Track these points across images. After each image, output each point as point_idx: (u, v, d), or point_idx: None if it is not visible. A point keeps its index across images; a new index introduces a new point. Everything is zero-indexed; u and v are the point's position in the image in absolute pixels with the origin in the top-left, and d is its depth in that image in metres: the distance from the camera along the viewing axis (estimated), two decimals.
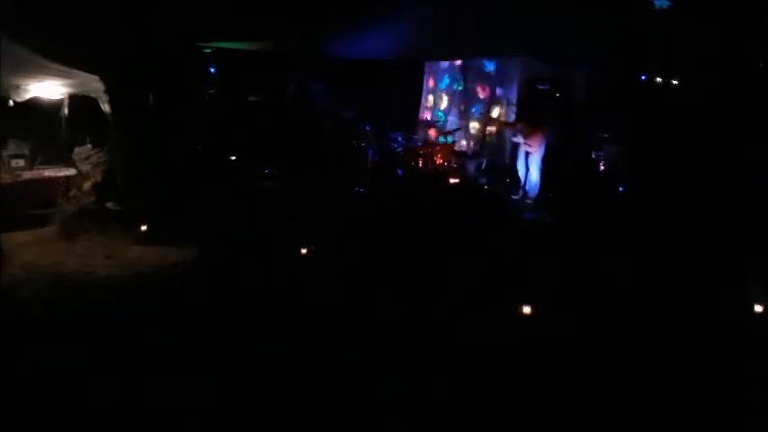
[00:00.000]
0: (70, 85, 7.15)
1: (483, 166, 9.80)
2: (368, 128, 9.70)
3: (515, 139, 9.04)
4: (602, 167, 9.46)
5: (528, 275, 5.72)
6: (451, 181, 9.26)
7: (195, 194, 7.69)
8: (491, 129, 10.21)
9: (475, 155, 10.10)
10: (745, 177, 7.79)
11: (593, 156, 9.53)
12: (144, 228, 6.65)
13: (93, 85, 7.03)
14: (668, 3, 8.09)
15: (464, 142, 10.61)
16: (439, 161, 9.75)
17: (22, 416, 3.42)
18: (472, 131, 10.60)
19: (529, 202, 8.79)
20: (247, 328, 4.58)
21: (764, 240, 6.41)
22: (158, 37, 7.37)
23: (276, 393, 3.70)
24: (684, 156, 8.37)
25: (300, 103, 10.71)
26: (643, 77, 9.46)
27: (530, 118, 8.78)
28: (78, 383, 3.73)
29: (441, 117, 10.82)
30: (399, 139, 9.89)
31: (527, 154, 8.84)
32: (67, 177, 7.47)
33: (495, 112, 10.17)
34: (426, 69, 11.24)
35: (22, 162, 7.27)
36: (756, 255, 6.10)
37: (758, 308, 5.08)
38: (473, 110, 10.57)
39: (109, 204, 7.23)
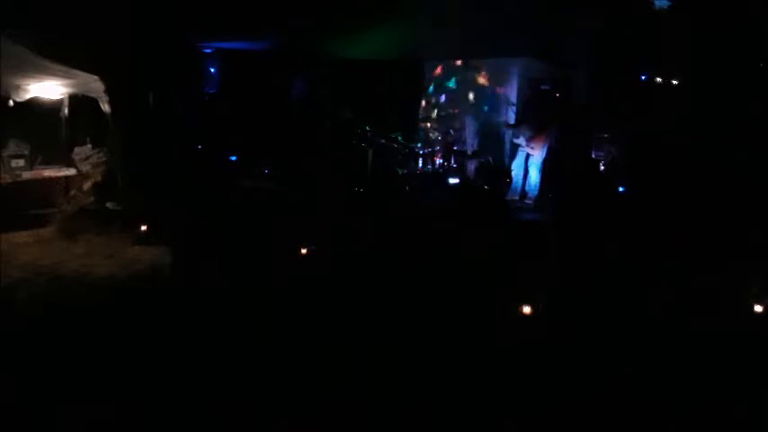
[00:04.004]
0: (70, 85, 7.15)
1: (483, 166, 9.80)
2: (368, 128, 9.71)
3: (517, 141, 9.02)
4: (602, 167, 9.46)
5: (528, 275, 5.72)
6: (451, 181, 9.27)
7: (195, 194, 7.69)
8: None
9: (475, 155, 10.11)
10: (746, 177, 7.79)
11: (593, 156, 9.53)
12: (144, 228, 6.65)
13: (93, 85, 7.03)
14: (668, 3, 8.08)
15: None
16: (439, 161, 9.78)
17: (22, 417, 3.42)
18: None
19: (529, 202, 8.79)
20: (247, 328, 4.58)
21: (764, 240, 6.40)
22: (158, 37, 7.38)
23: (275, 396, 3.69)
24: (684, 156, 8.37)
25: (300, 103, 10.71)
26: (643, 77, 9.45)
27: (533, 121, 8.77)
28: (78, 384, 3.73)
29: None
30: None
31: (527, 155, 8.83)
32: (67, 177, 7.48)
33: None
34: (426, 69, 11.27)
35: (22, 162, 7.27)
36: (756, 255, 6.09)
37: (758, 308, 5.08)
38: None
39: (109, 204, 7.23)
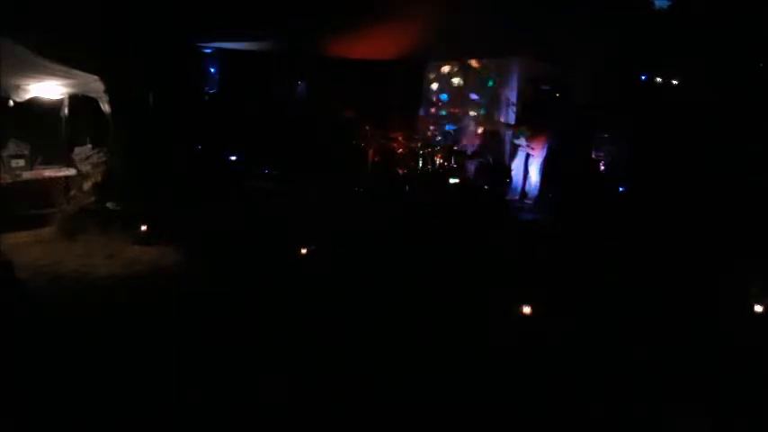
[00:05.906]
0: (70, 85, 7.15)
1: (483, 166, 9.80)
2: (368, 128, 9.71)
3: (517, 141, 9.02)
4: (602, 167, 9.46)
5: (528, 275, 5.72)
6: (451, 181, 9.27)
7: (195, 194, 7.69)
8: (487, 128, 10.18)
9: (475, 155, 10.10)
10: (746, 177, 7.79)
11: (593, 156, 9.53)
12: (144, 228, 6.65)
13: (93, 85, 7.03)
14: (668, 3, 8.09)
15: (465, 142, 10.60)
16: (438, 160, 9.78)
17: (22, 417, 3.42)
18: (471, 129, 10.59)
19: (529, 202, 8.79)
20: (247, 329, 4.58)
21: (764, 240, 6.41)
22: (158, 37, 7.38)
23: (274, 397, 3.69)
24: (685, 156, 8.37)
25: (300, 103, 10.72)
26: (643, 77, 9.46)
27: (534, 121, 8.76)
28: (78, 384, 3.73)
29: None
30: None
31: (527, 155, 8.82)
32: (67, 177, 7.47)
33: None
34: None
35: (22, 162, 7.26)
36: (756, 255, 6.09)
37: (758, 308, 5.08)
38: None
39: (109, 204, 7.22)
